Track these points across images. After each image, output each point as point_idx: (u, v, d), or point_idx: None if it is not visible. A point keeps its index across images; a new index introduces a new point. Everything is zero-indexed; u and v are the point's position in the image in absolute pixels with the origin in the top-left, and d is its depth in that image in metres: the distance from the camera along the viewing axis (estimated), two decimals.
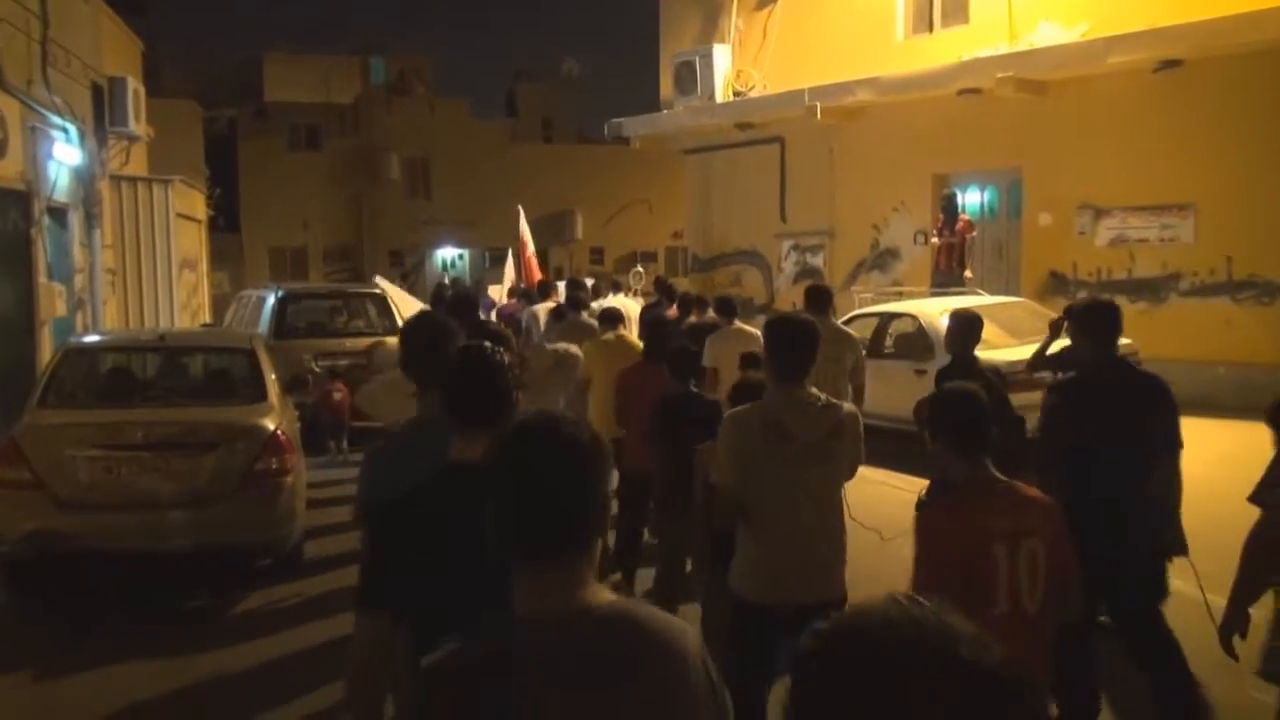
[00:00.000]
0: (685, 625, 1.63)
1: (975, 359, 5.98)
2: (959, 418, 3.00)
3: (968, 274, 13.83)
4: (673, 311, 10.94)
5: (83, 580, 6.83)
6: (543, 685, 1.49)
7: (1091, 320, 4.32)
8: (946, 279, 13.83)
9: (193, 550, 6.53)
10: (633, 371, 6.60)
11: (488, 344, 2.70)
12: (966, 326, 6.01)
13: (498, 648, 1.53)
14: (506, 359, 2.67)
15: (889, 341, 10.87)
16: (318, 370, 11.90)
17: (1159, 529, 4.13)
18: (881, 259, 16.33)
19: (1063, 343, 5.68)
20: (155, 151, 18.39)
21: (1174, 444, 4.21)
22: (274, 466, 6.71)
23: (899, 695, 0.89)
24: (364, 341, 12.22)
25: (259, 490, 6.64)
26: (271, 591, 6.82)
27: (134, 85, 14.79)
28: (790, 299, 17.48)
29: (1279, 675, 3.36)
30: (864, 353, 7.68)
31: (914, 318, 10.70)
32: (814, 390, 3.74)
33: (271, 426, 6.81)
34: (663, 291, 12.87)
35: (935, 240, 14.27)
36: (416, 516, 2.29)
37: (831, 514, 3.72)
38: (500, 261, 33.34)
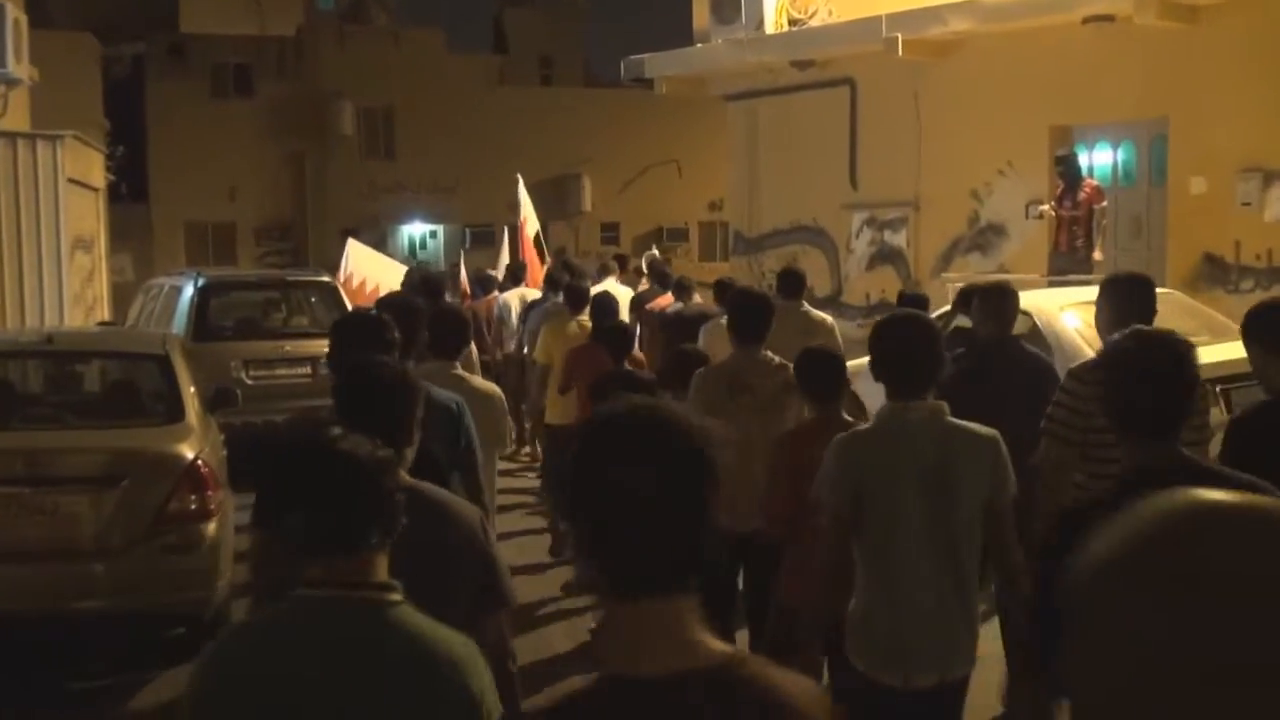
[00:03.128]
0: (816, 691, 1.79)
1: (1016, 341, 6.48)
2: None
3: (1096, 256, 13.74)
4: (667, 299, 12.32)
5: None
6: None
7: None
8: (1068, 263, 13.75)
9: (85, 615, 6.53)
10: (577, 351, 8.49)
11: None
12: (999, 301, 6.44)
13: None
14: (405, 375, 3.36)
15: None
16: (249, 382, 11.94)
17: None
18: (983, 237, 16.25)
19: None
20: (40, 100, 18.53)
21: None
22: (193, 507, 6.72)
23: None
24: (309, 345, 12.24)
25: (173, 538, 6.65)
26: (185, 671, 6.78)
27: (13, 13, 14.91)
28: (863, 289, 17.44)
29: None
30: (840, 340, 8.81)
31: (1026, 314, 10.61)
32: (769, 353, 5.96)
33: (190, 455, 6.82)
34: (657, 277, 13.80)
35: (1054, 213, 14.19)
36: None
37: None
38: (485, 241, 33.62)
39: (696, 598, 1.70)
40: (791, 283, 9.19)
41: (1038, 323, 10.31)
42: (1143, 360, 3.15)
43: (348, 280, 14.94)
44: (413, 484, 3.14)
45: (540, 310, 11.91)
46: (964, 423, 4.06)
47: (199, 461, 6.82)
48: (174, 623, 6.97)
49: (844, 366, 5.30)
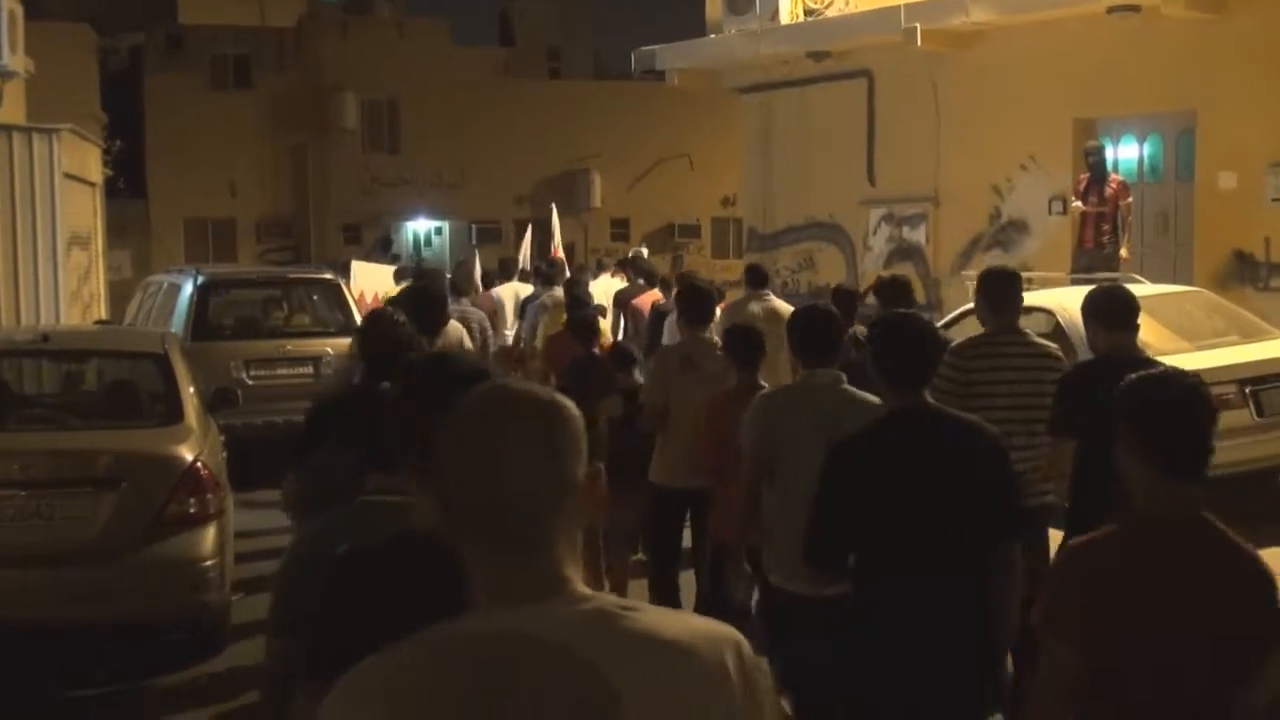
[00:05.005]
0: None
1: (1019, 330, 6.44)
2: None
3: (1123, 253, 13.73)
4: (655, 295, 12.99)
5: None
6: None
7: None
8: (1094, 260, 13.72)
9: (82, 622, 6.57)
10: (553, 339, 9.78)
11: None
12: (1003, 287, 6.41)
13: None
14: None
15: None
16: (250, 382, 11.96)
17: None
18: (1004, 234, 16.23)
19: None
20: (36, 92, 18.59)
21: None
22: (192, 510, 6.74)
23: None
24: (311, 344, 12.29)
25: (172, 541, 6.66)
26: (187, 677, 6.85)
27: (7, 4, 14.96)
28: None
29: None
30: None
31: (1049, 313, 10.62)
32: (713, 337, 7.13)
33: (189, 456, 6.84)
34: (642, 274, 14.42)
35: (1079, 208, 14.17)
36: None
37: None
38: (491, 237, 33.64)
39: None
40: (757, 275, 11.04)
41: (1061, 321, 10.30)
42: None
43: (359, 299, 15.18)
44: None
45: (536, 305, 12.72)
46: (858, 391, 5.08)
47: (199, 464, 6.84)
48: (174, 629, 6.99)
49: (761, 341, 6.47)
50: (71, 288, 17.20)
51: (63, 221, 16.61)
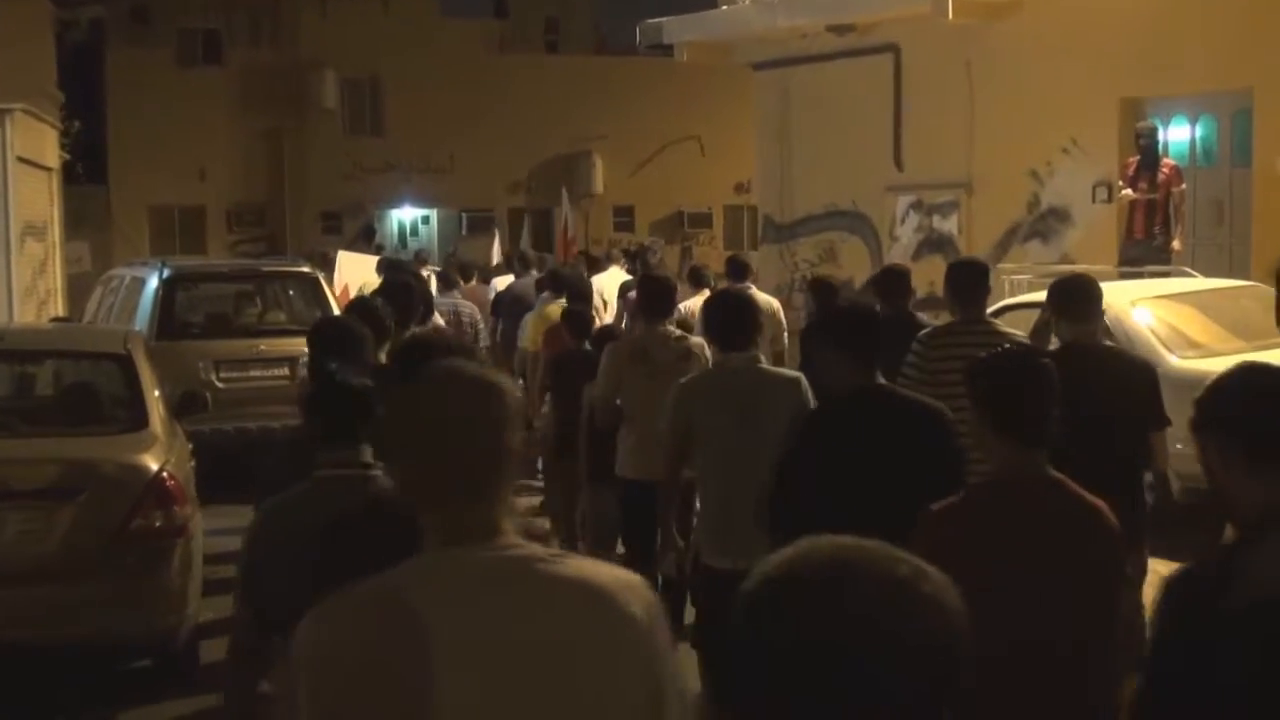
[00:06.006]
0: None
1: (986, 320, 7.09)
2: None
3: (1175, 246, 13.71)
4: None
5: None
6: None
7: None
8: (1143, 252, 13.71)
9: (36, 647, 6.54)
10: (551, 331, 10.54)
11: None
12: (970, 278, 7.13)
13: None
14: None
15: (1056, 345, 10.78)
16: (220, 384, 11.97)
17: None
18: (1044, 223, 16.23)
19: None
20: None
21: None
22: (158, 524, 6.73)
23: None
24: (287, 344, 12.28)
25: (137, 558, 6.66)
26: (152, 710, 6.83)
27: None
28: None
29: None
30: (784, 324, 12.02)
31: None
32: (670, 327, 7.66)
33: (154, 466, 6.84)
34: (644, 268, 15.24)
35: (1127, 195, 14.16)
36: None
37: None
38: (482, 227, 33.66)
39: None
40: (738, 268, 12.19)
41: (1106, 319, 10.28)
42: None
43: (344, 292, 15.20)
44: None
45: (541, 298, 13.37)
46: (774, 368, 6.04)
47: (164, 474, 6.83)
48: (138, 654, 6.98)
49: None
50: (26, 282, 17.23)
51: (16, 210, 16.64)
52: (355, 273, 16.51)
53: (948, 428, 4.86)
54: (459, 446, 2.32)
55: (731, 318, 5.99)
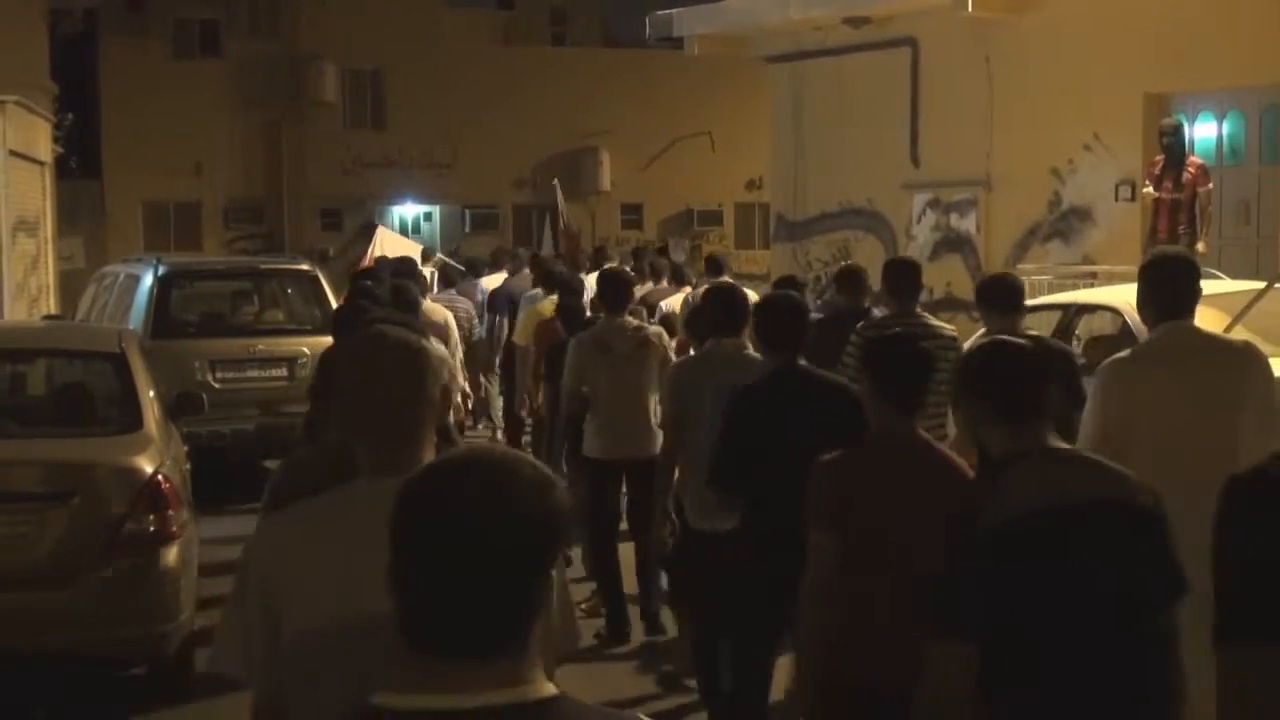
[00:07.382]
0: None
1: (919, 314, 8.22)
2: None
3: (1200, 248, 13.66)
4: (659, 289, 14.07)
5: None
6: None
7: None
8: None
9: (27, 654, 6.53)
10: (542, 325, 11.25)
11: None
12: (903, 275, 8.47)
13: None
14: None
15: (1077, 348, 10.77)
16: (217, 385, 11.97)
17: None
18: (1065, 223, 16.22)
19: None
20: None
21: None
22: (152, 528, 6.73)
23: None
24: (285, 344, 12.30)
25: (130, 563, 6.66)
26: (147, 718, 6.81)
27: None
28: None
29: None
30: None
31: (1115, 311, 10.61)
32: (630, 319, 8.67)
33: (149, 468, 6.84)
34: (653, 270, 15.43)
35: (1151, 194, 14.14)
36: None
37: (641, 399, 8.32)
38: (487, 224, 33.69)
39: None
40: (714, 265, 13.61)
41: (1128, 321, 10.25)
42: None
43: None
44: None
45: (528, 296, 13.64)
46: (757, 355, 6.32)
47: (159, 476, 6.84)
48: (132, 662, 6.97)
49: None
50: (17, 279, 17.26)
51: (7, 205, 16.66)
52: (395, 250, 16.99)
53: (852, 399, 5.42)
54: (384, 394, 2.87)
55: (721, 309, 6.86)
